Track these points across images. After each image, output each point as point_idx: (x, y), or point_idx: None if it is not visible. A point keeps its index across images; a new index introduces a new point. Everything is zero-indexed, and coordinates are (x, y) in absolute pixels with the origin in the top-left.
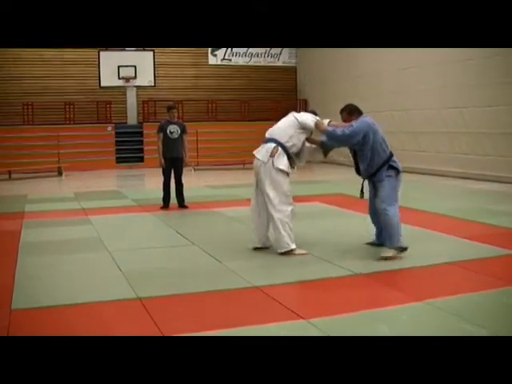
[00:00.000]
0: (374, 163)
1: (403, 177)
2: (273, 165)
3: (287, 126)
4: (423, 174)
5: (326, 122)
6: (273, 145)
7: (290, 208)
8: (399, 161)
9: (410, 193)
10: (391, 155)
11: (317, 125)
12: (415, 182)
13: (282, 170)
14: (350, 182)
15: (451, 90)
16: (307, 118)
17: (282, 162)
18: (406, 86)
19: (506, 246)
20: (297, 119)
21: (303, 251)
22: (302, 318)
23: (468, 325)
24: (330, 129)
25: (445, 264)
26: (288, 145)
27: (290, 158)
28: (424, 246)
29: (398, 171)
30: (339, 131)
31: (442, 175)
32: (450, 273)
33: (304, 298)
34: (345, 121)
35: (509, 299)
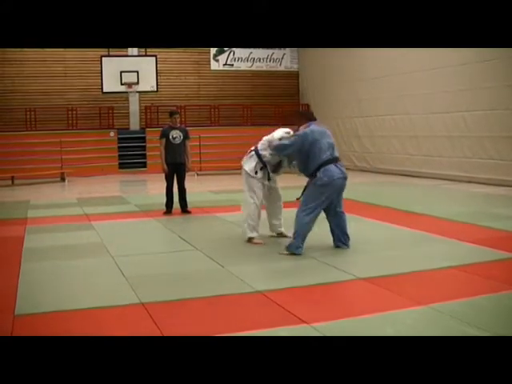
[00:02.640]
0: (309, 168)
1: (405, 180)
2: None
3: (269, 137)
4: (426, 177)
5: (278, 135)
6: (251, 148)
7: (252, 201)
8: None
9: (412, 197)
10: (323, 164)
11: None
12: (417, 185)
13: (246, 172)
14: (349, 186)
15: (453, 93)
16: (273, 136)
17: (248, 165)
18: (407, 90)
19: (509, 250)
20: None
21: (259, 241)
22: (305, 322)
23: (471, 328)
24: (275, 143)
25: (447, 268)
26: (261, 153)
27: (264, 164)
28: (427, 250)
29: (322, 180)
30: (276, 144)
31: (445, 179)
32: (453, 276)
33: (306, 302)
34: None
35: (511, 301)
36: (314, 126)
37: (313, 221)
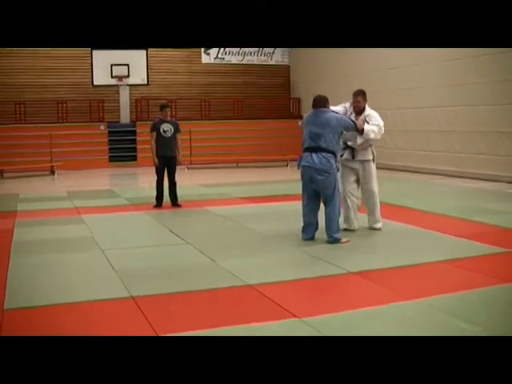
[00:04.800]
0: None
1: (396, 175)
2: None
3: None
4: (416, 172)
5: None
6: None
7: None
8: (391, 159)
9: (403, 191)
10: (303, 152)
11: None
12: (408, 180)
13: None
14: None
15: (445, 88)
16: None
17: None
18: (398, 84)
19: (499, 244)
20: None
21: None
22: (296, 316)
23: (461, 322)
24: None
25: (438, 262)
26: None
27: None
28: (417, 245)
29: (297, 167)
30: None
31: (436, 174)
32: (443, 271)
33: (297, 296)
34: None
35: (501, 295)
36: (308, 114)
37: (307, 209)
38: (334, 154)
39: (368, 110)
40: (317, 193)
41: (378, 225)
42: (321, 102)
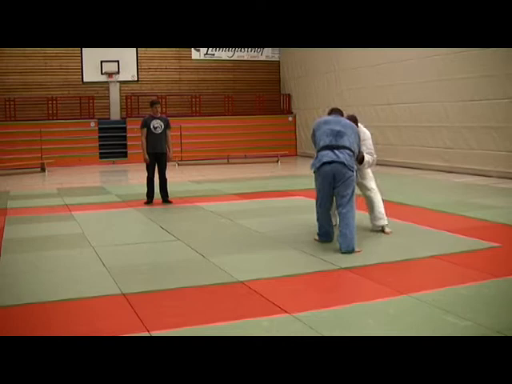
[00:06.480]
0: None
1: (386, 170)
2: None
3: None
4: (406, 167)
5: None
6: None
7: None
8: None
9: (393, 186)
10: (319, 150)
11: None
12: (399, 175)
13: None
14: None
15: (434, 84)
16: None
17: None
18: (389, 80)
19: (489, 239)
20: None
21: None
22: (287, 312)
23: (452, 317)
24: None
25: (429, 257)
26: None
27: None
28: (408, 240)
29: (314, 166)
30: None
31: (426, 169)
32: (435, 266)
33: (288, 292)
34: None
35: (491, 290)
36: (325, 117)
37: (324, 211)
38: (354, 155)
39: (361, 134)
40: (331, 196)
41: (379, 222)
42: (338, 111)
